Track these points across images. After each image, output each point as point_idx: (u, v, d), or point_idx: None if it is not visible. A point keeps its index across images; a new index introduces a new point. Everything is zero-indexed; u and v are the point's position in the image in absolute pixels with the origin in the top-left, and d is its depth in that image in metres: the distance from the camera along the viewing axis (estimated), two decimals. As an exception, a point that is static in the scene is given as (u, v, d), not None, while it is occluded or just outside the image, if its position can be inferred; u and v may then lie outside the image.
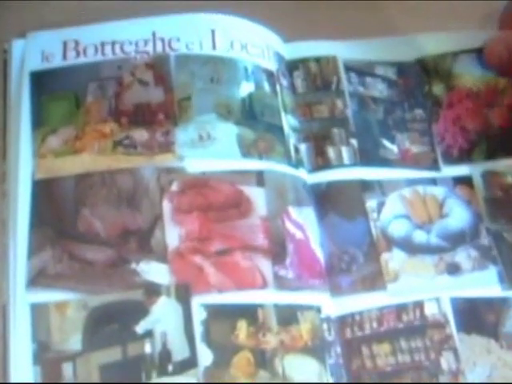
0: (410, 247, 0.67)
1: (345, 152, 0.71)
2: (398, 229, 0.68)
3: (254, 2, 0.74)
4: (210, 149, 0.66)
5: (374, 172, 0.70)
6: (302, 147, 0.70)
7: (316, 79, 0.74)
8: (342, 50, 0.75)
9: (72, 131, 0.66)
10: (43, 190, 0.63)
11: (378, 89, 0.75)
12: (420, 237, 0.68)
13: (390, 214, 0.68)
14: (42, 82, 0.68)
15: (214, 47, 0.70)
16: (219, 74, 0.69)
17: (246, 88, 0.69)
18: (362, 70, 0.75)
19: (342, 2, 0.77)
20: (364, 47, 0.76)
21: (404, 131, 0.73)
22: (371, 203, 0.69)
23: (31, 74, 0.68)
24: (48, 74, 0.69)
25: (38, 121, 0.66)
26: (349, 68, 0.75)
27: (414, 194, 0.70)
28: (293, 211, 0.65)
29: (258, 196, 0.64)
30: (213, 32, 0.71)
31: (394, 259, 0.66)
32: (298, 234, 0.65)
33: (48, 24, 0.71)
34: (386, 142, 0.72)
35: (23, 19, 0.72)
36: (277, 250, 0.63)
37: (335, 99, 0.73)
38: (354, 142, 0.71)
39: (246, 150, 0.66)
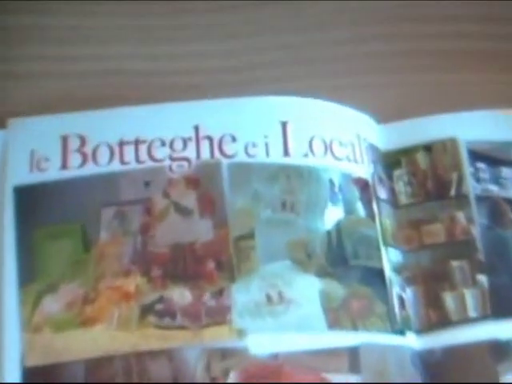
0: None
1: (469, 298, 0.58)
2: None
3: (328, 77, 0.63)
4: (283, 318, 0.54)
5: (513, 327, 0.59)
6: (408, 294, 0.58)
7: (426, 181, 0.61)
8: (464, 128, 0.62)
9: (79, 289, 0.55)
10: (38, 382, 0.53)
11: (519, 185, 0.63)
12: None
13: (535, 394, 0.57)
14: (32, 205, 0.57)
15: (285, 151, 0.58)
16: (294, 195, 0.57)
17: (332, 214, 0.58)
18: (495, 157, 0.61)
19: (454, 63, 0.65)
20: (496, 121, 0.62)
21: (556, 252, 0.61)
22: (509, 378, 0.56)
23: (16, 190, 0.57)
24: (41, 191, 0.57)
25: (29, 271, 0.55)
26: (475, 155, 0.61)
27: None
28: (400, 404, 0.55)
29: (352, 388, 0.54)
30: (284, 125, 0.58)
31: None
32: None
33: (39, 108, 0.58)
34: (531, 273, 0.60)
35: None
36: None
37: (455, 212, 0.60)
38: (482, 279, 0.59)
39: (334, 316, 0.55)
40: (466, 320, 0.58)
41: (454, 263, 0.59)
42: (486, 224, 0.60)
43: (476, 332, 0.57)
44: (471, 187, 0.60)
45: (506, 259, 0.59)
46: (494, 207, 0.61)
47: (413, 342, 0.57)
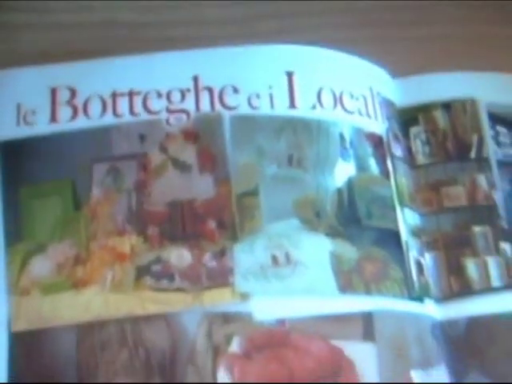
0: None
1: (492, 266, 0.60)
2: None
3: (338, 29, 0.66)
4: (290, 280, 0.56)
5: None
6: (427, 260, 0.60)
7: (446, 140, 0.63)
8: (484, 89, 0.64)
9: (69, 250, 0.57)
10: (26, 348, 0.54)
11: (543, 151, 0.63)
12: None
13: None
14: (19, 160, 0.58)
15: (291, 103, 0.60)
16: (301, 150, 0.59)
17: (343, 171, 0.59)
18: (516, 122, 0.63)
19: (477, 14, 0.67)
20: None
21: None
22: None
23: (2, 145, 0.58)
24: (29, 147, 0.58)
25: (16, 230, 0.57)
26: (496, 118, 0.64)
27: None
28: (417, 378, 0.55)
29: (365, 357, 0.55)
30: (289, 75, 0.60)
31: None
32: (425, 416, 0.55)
33: (26, 59, 0.60)
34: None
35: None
36: None
37: (476, 175, 0.62)
38: (506, 247, 0.60)
39: (346, 279, 0.56)
40: (489, 289, 0.59)
41: (476, 229, 0.60)
42: (509, 191, 0.62)
43: (500, 303, 0.59)
44: (492, 151, 0.62)
45: (529, 225, 0.61)
46: (516, 173, 0.62)
47: (433, 310, 0.58)
